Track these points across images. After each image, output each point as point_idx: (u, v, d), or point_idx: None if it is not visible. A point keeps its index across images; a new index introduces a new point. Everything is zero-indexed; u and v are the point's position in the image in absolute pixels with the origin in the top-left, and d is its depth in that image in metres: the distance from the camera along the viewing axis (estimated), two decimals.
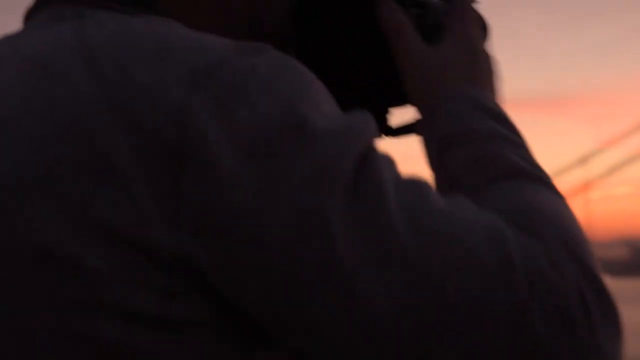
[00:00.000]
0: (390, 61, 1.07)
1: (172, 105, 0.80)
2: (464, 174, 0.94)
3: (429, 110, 1.01)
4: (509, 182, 0.91)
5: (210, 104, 0.80)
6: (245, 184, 0.79)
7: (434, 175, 0.98)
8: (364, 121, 0.84)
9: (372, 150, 0.83)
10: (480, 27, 1.08)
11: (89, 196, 0.80)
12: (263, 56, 0.84)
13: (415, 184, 0.83)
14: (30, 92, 0.84)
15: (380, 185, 0.81)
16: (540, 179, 0.92)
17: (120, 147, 0.80)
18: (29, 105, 0.83)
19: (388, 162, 0.84)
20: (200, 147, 0.79)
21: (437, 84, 1.02)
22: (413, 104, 1.04)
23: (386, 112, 1.12)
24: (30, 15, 0.96)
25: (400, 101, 1.10)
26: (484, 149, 0.95)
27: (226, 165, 0.79)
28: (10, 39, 0.93)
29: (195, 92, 0.81)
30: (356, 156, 0.81)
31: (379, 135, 0.87)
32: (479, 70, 1.04)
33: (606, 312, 0.82)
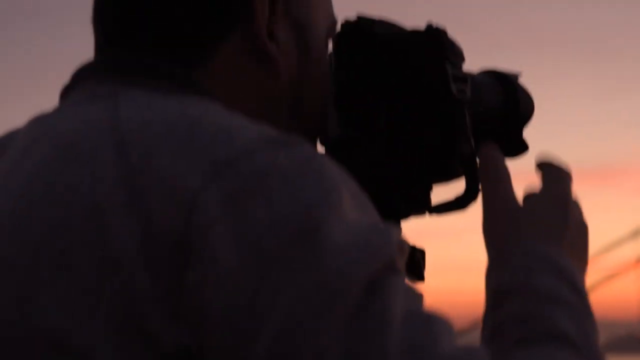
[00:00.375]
0: (438, 139, 1.06)
1: (185, 195, 0.78)
2: (507, 328, 0.89)
3: (498, 260, 0.96)
4: (548, 347, 0.86)
5: (224, 196, 0.77)
6: (244, 286, 0.75)
7: (483, 321, 0.94)
8: (387, 238, 0.79)
9: (388, 272, 0.78)
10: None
11: (99, 285, 0.78)
12: (291, 151, 0.81)
13: (429, 320, 0.78)
14: (58, 176, 0.83)
15: (386, 314, 0.76)
16: (586, 350, 0.87)
17: (130, 236, 0.78)
18: (54, 189, 0.82)
19: (405, 288, 0.79)
20: (204, 241, 0.76)
21: (516, 238, 0.97)
22: (486, 245, 0.99)
23: (429, 188, 1.11)
24: (66, 92, 0.96)
25: (443, 178, 1.09)
26: (536, 308, 0.89)
27: (227, 264, 0.76)
28: (46, 118, 0.93)
29: (212, 183, 0.78)
30: (367, 276, 0.76)
31: (402, 254, 0.81)
32: (566, 235, 0.97)
33: None
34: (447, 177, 1.08)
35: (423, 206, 1.11)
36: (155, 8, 0.94)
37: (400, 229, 0.82)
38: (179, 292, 0.76)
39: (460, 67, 1.08)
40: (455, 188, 1.10)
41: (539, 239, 0.96)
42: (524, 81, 1.18)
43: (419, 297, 0.80)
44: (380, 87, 1.07)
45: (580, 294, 0.92)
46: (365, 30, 1.09)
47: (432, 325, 0.78)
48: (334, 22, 1.07)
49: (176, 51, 0.94)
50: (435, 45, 1.07)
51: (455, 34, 1.10)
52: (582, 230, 1.00)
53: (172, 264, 0.77)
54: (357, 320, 0.75)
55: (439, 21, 1.09)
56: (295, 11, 1.00)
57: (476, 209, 1.07)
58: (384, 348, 0.75)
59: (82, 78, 0.95)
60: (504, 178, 1.00)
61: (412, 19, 1.16)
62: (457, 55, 1.08)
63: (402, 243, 0.81)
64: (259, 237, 0.76)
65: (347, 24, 1.11)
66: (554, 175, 1.01)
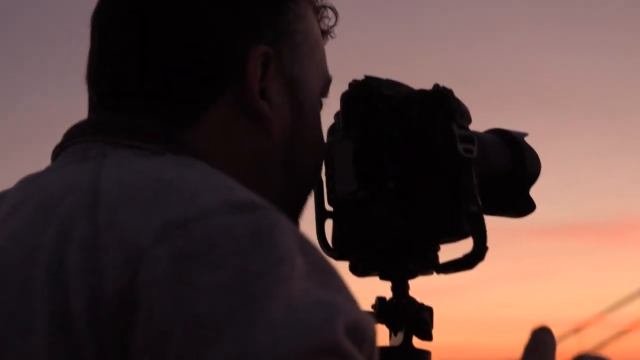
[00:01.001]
0: (445, 198, 1.06)
1: (135, 252, 0.77)
2: None
3: None
4: None
5: (171, 257, 0.76)
6: (169, 351, 0.73)
7: None
8: (332, 318, 0.74)
9: (329, 358, 0.73)
10: None
11: (57, 346, 0.78)
12: (249, 218, 0.79)
13: None
14: (34, 239, 0.84)
15: None
16: None
17: (82, 296, 0.78)
18: (29, 252, 0.83)
19: None
20: (144, 300, 0.75)
21: None
22: None
23: (437, 247, 1.11)
24: (58, 152, 0.97)
25: (450, 237, 1.09)
26: None
27: (158, 326, 0.74)
28: (36, 178, 0.94)
29: (161, 243, 0.77)
30: (300, 357, 0.72)
31: (356, 337, 0.76)
32: None
33: None
34: (454, 236, 1.08)
35: (431, 265, 1.11)
36: (148, 69, 0.95)
37: (367, 314, 0.78)
38: (121, 352, 0.76)
39: (467, 127, 1.09)
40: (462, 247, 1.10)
41: None
42: (531, 138, 1.19)
43: None
44: (388, 147, 1.08)
45: None
46: (373, 90, 1.10)
47: None
48: (328, 80, 1.07)
49: (168, 111, 0.94)
50: (442, 106, 1.07)
51: (461, 91, 1.11)
52: None
53: (116, 323, 0.76)
54: None
55: (444, 79, 1.10)
56: (289, 69, 1.00)
57: (484, 266, 1.07)
58: None
59: (74, 138, 0.95)
60: (548, 353, 0.95)
61: (419, 78, 1.16)
62: (463, 115, 1.08)
63: (362, 326, 0.76)
64: (195, 303, 0.74)
65: (355, 84, 1.12)
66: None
